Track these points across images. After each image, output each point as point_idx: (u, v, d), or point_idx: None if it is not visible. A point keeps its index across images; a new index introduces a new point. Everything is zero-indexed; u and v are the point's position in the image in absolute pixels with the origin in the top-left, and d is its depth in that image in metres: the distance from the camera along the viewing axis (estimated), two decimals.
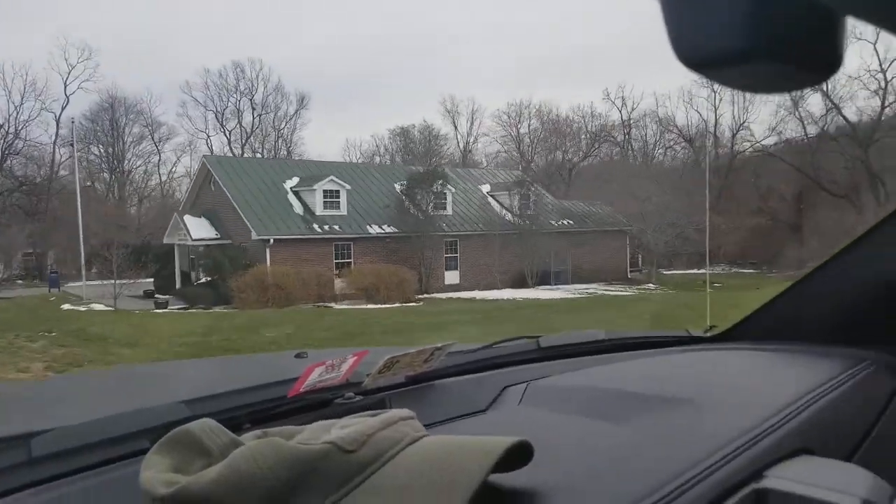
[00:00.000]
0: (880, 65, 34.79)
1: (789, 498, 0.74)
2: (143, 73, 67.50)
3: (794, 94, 36.15)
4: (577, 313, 16.64)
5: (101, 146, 45.14)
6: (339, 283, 21.71)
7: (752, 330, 1.61)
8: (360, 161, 44.84)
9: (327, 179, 24.07)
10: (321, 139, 77.25)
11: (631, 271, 29.60)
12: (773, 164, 38.49)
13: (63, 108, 42.06)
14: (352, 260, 23.17)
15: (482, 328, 12.99)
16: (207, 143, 48.36)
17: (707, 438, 0.82)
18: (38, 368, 9.91)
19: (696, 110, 56.73)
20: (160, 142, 47.10)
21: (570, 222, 28.24)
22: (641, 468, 0.74)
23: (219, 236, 23.56)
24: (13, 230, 33.58)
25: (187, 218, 24.11)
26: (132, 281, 21.01)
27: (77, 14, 61.63)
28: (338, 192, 24.13)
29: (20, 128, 39.90)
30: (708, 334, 1.69)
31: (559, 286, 25.12)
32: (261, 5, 67.53)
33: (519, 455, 0.64)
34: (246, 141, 48.90)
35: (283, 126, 50.15)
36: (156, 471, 0.60)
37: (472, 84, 76.60)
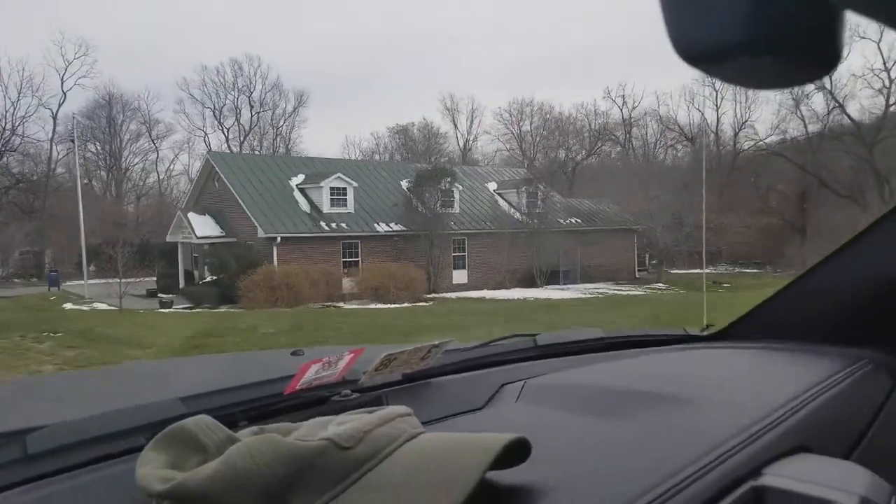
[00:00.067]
0: (884, 63, 34.78)
1: (787, 495, 0.74)
2: (141, 69, 67.00)
3: (795, 93, 36.13)
4: (605, 312, 16.18)
5: (97, 143, 44.85)
6: (347, 283, 21.34)
7: (750, 329, 1.61)
8: (359, 159, 44.45)
9: (334, 177, 23.64)
10: (320, 137, 76.90)
11: (639, 270, 29.36)
12: (776, 162, 38.39)
13: (60, 105, 41.80)
14: (359, 259, 22.78)
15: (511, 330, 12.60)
16: (205, 141, 48.09)
17: (705, 436, 0.82)
18: (50, 371, 9.57)
19: (698, 109, 56.72)
20: (157, 139, 46.82)
21: (578, 221, 27.95)
22: (639, 466, 0.73)
23: (224, 234, 23.12)
24: (10, 228, 33.12)
25: (191, 215, 23.66)
26: (139, 279, 20.58)
27: (74, 10, 61.18)
28: (344, 189, 23.73)
29: (17, 124, 39.55)
30: (705, 333, 1.68)
31: (568, 286, 24.82)
32: (260, 4, 67.12)
33: (516, 452, 0.64)
34: (244, 139, 48.59)
35: (281, 124, 49.91)
36: (152, 467, 0.60)
37: (472, 83, 76.48)
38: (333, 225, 22.74)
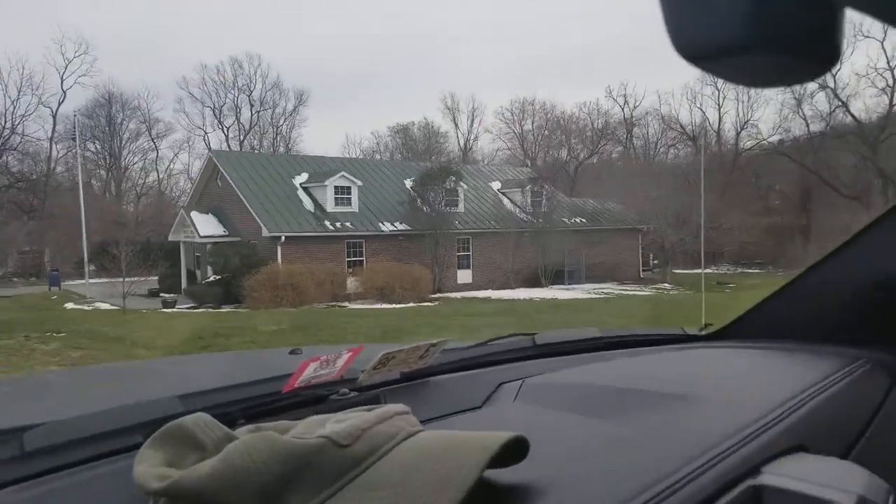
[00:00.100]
0: (888, 62, 34.72)
1: (785, 494, 0.73)
2: (141, 68, 66.88)
3: (798, 92, 36.06)
4: (615, 316, 16.00)
5: (97, 142, 44.62)
6: (351, 282, 21.16)
7: (748, 328, 1.60)
8: (360, 158, 44.30)
9: (338, 175, 23.43)
10: (320, 136, 76.76)
11: (643, 270, 29.22)
12: (779, 162, 38.29)
13: (60, 104, 41.56)
14: (364, 258, 22.59)
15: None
16: (205, 140, 47.90)
17: (703, 435, 0.81)
18: None
19: (700, 108, 56.65)
20: (157, 138, 46.59)
21: (583, 220, 27.78)
22: (637, 465, 0.73)
23: (227, 233, 22.92)
24: (10, 227, 32.90)
25: (194, 214, 23.44)
26: (143, 279, 20.37)
27: (74, 8, 60.91)
28: (349, 188, 23.53)
29: (17, 123, 39.29)
30: (703, 332, 1.68)
31: (573, 286, 24.67)
32: (260, 3, 66.89)
33: (514, 451, 0.64)
34: (244, 138, 48.40)
35: (281, 123, 49.73)
36: (149, 465, 0.60)
37: (472, 83, 76.36)
38: (338, 224, 22.53)
